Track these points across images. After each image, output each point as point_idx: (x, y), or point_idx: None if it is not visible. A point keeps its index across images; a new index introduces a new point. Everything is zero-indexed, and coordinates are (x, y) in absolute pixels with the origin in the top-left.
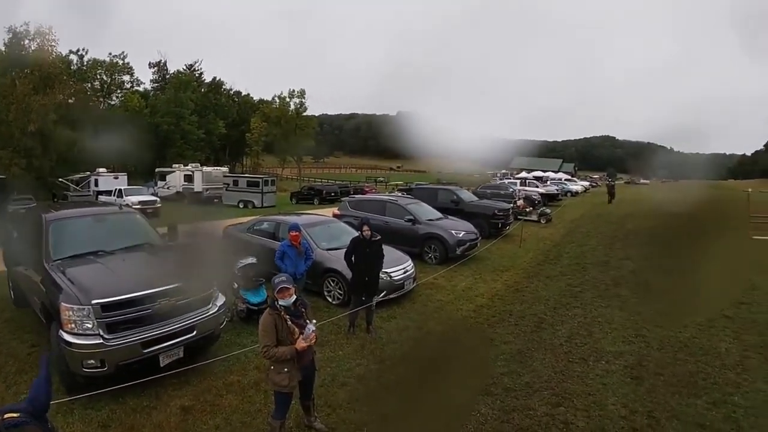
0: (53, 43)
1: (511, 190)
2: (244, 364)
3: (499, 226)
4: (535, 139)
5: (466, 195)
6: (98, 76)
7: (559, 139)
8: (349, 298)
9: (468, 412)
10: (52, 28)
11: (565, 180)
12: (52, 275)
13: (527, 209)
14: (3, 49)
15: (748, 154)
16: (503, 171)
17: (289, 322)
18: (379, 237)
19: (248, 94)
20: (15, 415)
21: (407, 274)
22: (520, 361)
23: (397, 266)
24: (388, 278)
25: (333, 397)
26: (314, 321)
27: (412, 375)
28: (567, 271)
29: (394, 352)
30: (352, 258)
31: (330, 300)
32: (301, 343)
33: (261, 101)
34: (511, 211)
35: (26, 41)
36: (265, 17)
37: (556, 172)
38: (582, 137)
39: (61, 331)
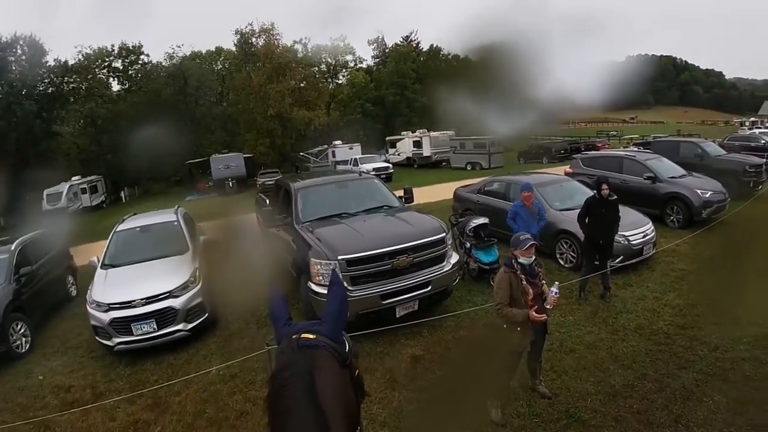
0: (278, 37)
1: (763, 141)
2: (473, 320)
3: (751, 185)
4: None
5: (712, 148)
6: (323, 60)
7: None
8: (582, 261)
9: (699, 397)
10: (274, 23)
11: None
12: (302, 235)
13: None
14: (234, 49)
15: None
16: (752, 118)
17: (524, 282)
18: (615, 197)
19: (466, 56)
20: (311, 336)
21: (647, 238)
22: (765, 347)
23: (636, 229)
24: (626, 242)
25: (560, 362)
26: (557, 283)
27: (644, 349)
28: None
29: (628, 323)
30: (586, 219)
31: (562, 263)
32: (537, 314)
33: None
34: (764, 167)
35: (253, 39)
36: None
37: None
38: None
39: (310, 282)
